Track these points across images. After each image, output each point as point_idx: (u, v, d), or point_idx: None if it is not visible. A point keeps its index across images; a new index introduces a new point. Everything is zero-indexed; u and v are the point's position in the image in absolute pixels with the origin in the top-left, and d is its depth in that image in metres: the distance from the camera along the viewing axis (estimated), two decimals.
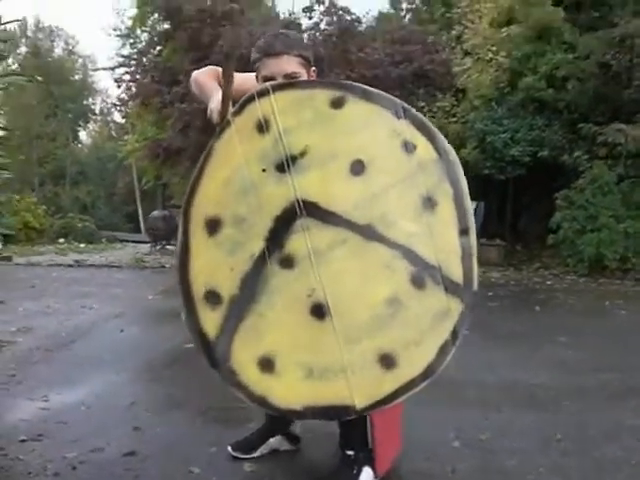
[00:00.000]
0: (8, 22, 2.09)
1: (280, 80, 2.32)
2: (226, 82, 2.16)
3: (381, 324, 2.06)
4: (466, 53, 13.95)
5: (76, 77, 44.54)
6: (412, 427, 2.83)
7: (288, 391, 2.09)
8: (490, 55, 13.00)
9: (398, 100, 2.15)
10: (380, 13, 23.03)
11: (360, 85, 2.19)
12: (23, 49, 41.13)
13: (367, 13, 18.77)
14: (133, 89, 16.71)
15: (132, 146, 20.36)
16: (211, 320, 2.13)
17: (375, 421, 2.38)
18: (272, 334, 2.10)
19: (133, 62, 17.01)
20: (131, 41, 20.68)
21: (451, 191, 2.09)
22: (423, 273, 2.07)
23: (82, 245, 17.98)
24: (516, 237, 13.85)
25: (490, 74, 12.99)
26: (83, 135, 46.98)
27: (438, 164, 2.10)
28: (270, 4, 21.29)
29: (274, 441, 2.87)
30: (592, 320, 6.84)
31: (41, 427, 3.20)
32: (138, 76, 15.78)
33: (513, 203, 13.75)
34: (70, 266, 12.01)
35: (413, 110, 2.15)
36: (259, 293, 2.10)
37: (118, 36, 21.43)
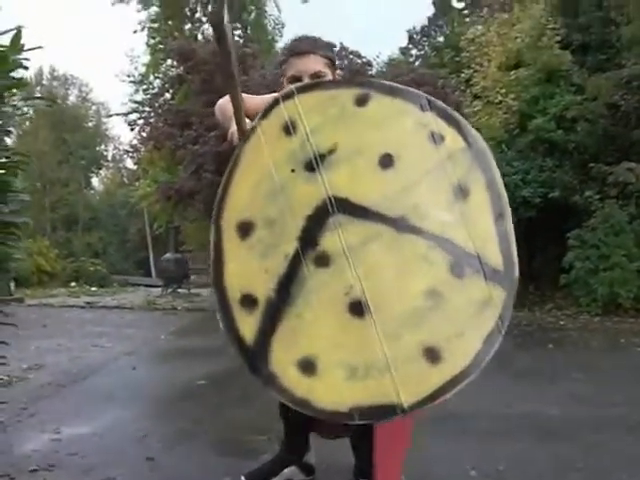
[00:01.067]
0: (31, 49, 2.12)
1: (307, 79, 2.35)
2: (235, 102, 2.18)
3: (422, 317, 2.01)
4: (475, 96, 14.07)
5: (89, 124, 45.17)
6: (429, 459, 2.80)
7: (332, 392, 2.01)
8: (499, 98, 13.10)
9: (422, 93, 2.16)
10: (390, 58, 23.36)
11: (383, 81, 2.21)
12: (30, 102, 41.65)
13: (377, 57, 19.00)
14: (144, 134, 16.91)
15: (144, 191, 20.51)
16: (248, 324, 2.08)
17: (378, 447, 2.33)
18: (311, 335, 2.05)
19: (146, 107, 17.26)
20: (144, 87, 20.97)
21: (483, 179, 2.08)
22: (461, 262, 2.02)
23: (94, 288, 18.04)
24: (528, 278, 13.76)
25: (499, 117, 13.08)
26: (95, 181, 47.48)
27: (467, 153, 2.09)
28: (280, 50, 21.62)
29: (288, 471, 2.82)
30: (607, 357, 6.78)
31: (53, 457, 3.18)
32: (151, 120, 15.99)
33: (525, 244, 13.71)
34: (82, 307, 12.04)
35: (438, 102, 2.15)
36: (295, 294, 2.06)
37: (131, 82, 21.70)
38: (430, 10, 24.60)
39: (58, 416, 4.02)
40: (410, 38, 25.69)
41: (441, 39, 21.29)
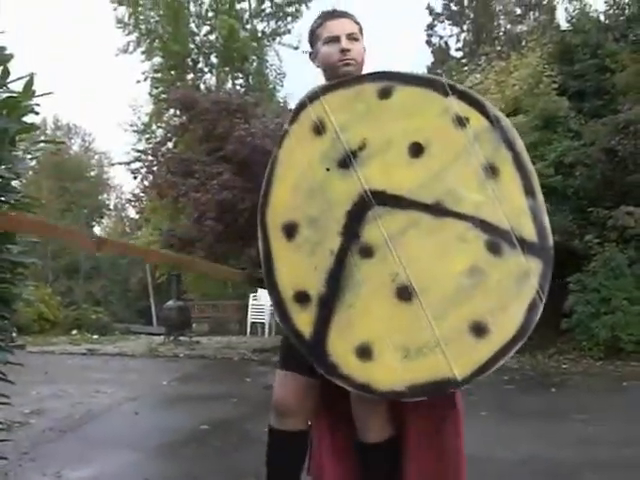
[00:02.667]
0: (42, 95, 2.19)
1: (344, 39, 2.34)
2: None
3: (465, 295, 2.08)
4: None
5: (92, 173, 45.48)
6: None
7: (389, 374, 2.10)
8: None
9: (443, 78, 2.23)
10: None
11: (404, 71, 2.27)
12: (41, 146, 42.11)
13: None
14: (146, 182, 17.03)
15: (146, 239, 20.62)
16: (304, 320, 2.16)
17: None
18: (364, 323, 2.12)
19: (149, 156, 17.42)
20: (147, 136, 21.21)
21: (510, 156, 2.13)
22: (498, 239, 2.09)
23: (95, 336, 17.97)
24: None
25: None
26: (97, 230, 47.60)
27: (492, 132, 2.15)
28: (282, 100, 21.91)
29: None
30: (610, 399, 6.74)
31: None
32: (154, 168, 16.12)
33: None
34: (83, 354, 12.00)
35: (458, 85, 2.23)
36: (345, 286, 2.14)
37: (134, 132, 21.96)
38: (429, 59, 25.00)
39: (59, 461, 4.02)
40: None
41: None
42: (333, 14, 2.48)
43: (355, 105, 2.20)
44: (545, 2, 22.80)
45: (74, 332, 18.97)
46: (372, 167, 2.17)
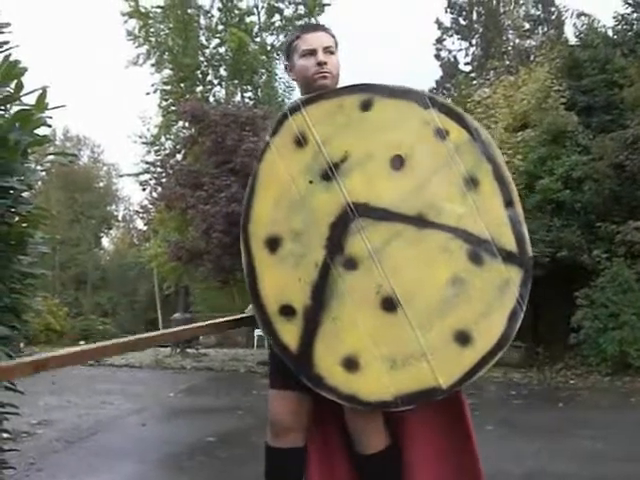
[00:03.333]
0: (55, 107, 2.22)
1: (320, 52, 2.35)
2: None
3: (449, 304, 2.12)
4: None
5: (100, 184, 45.62)
6: None
7: (376, 385, 2.12)
8: (506, 159, 13.19)
9: (424, 91, 2.27)
10: None
11: (384, 84, 2.28)
12: (50, 157, 42.28)
13: None
14: (154, 194, 17.09)
15: (155, 250, 20.64)
16: (290, 333, 2.16)
17: None
18: (350, 334, 2.14)
19: (158, 168, 17.48)
20: (156, 148, 21.25)
21: (490, 167, 2.19)
22: (478, 249, 2.14)
23: None
24: (537, 339, 13.68)
25: None
26: (105, 241, 47.67)
27: (472, 144, 2.19)
28: None
29: None
30: (617, 415, 6.71)
31: None
32: (163, 180, 16.19)
33: (533, 304, 13.64)
34: (90, 365, 11.99)
35: (439, 98, 2.27)
36: (330, 298, 2.15)
37: (143, 143, 22.00)
38: (438, 73, 25.05)
39: (67, 471, 4.03)
40: None
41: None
42: (310, 28, 2.53)
43: (336, 117, 2.21)
44: (553, 17, 22.86)
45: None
46: (354, 179, 2.18)
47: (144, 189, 17.72)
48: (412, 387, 2.12)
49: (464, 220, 2.15)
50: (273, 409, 2.41)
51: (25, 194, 2.45)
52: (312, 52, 2.36)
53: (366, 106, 2.21)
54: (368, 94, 2.22)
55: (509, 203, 2.17)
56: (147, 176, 18.55)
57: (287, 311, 2.16)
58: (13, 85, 2.11)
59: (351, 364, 2.13)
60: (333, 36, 2.44)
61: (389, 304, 2.13)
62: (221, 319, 2.44)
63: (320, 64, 2.33)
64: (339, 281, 2.15)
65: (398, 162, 2.19)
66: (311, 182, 2.19)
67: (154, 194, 17.19)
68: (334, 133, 2.20)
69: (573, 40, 15.74)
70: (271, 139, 2.23)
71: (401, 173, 2.18)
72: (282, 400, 2.38)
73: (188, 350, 15.89)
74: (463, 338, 2.10)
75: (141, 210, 22.60)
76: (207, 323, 2.50)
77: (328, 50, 2.38)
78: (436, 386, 2.10)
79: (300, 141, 2.20)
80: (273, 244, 2.19)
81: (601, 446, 4.90)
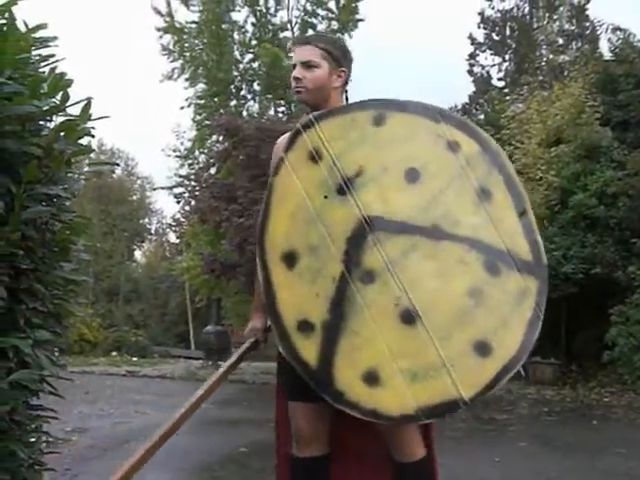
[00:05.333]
0: (98, 118, 2.27)
1: (299, 67, 2.41)
2: None
3: (468, 315, 2.13)
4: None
5: (134, 197, 46.05)
6: None
7: (397, 399, 2.12)
8: (540, 174, 13.11)
9: (434, 105, 2.29)
10: None
11: (395, 99, 2.32)
12: (85, 169, 42.79)
13: None
14: (188, 208, 17.23)
15: (187, 263, 20.79)
16: (308, 348, 2.16)
17: None
18: (369, 348, 2.14)
19: (192, 182, 17.65)
20: (189, 162, 21.45)
21: (501, 178, 2.22)
22: (495, 260, 2.15)
23: (135, 358, 18.15)
24: (571, 356, 13.54)
25: (541, 193, 13.06)
26: (138, 254, 48.10)
27: (483, 156, 2.22)
28: None
29: None
30: None
31: None
32: (197, 193, 16.33)
33: (567, 321, 13.52)
34: (123, 376, 12.14)
35: (449, 111, 2.31)
36: (348, 312, 2.15)
37: (177, 157, 22.21)
38: (471, 88, 25.00)
39: (101, 478, 4.06)
40: None
41: (482, 117, 21.59)
42: (299, 41, 2.59)
43: (350, 132, 2.24)
44: (588, 32, 22.71)
45: (114, 354, 19.19)
46: (370, 193, 2.20)
47: (178, 202, 17.90)
48: (434, 400, 2.11)
49: (479, 231, 2.18)
50: (295, 421, 2.43)
51: (67, 202, 2.50)
52: (294, 66, 2.45)
53: (379, 121, 2.25)
54: (380, 109, 2.26)
55: (522, 213, 2.20)
56: (181, 189, 18.75)
57: (305, 327, 2.17)
58: (59, 97, 2.16)
59: (371, 378, 2.13)
60: (322, 48, 2.45)
61: (408, 317, 2.14)
62: (227, 364, 2.50)
63: (295, 79, 2.42)
64: (357, 295, 2.16)
65: (413, 175, 2.22)
66: (326, 197, 2.22)
67: (187, 207, 17.35)
68: (348, 148, 2.23)
69: (608, 55, 15.66)
70: (285, 155, 2.26)
71: (416, 185, 2.21)
72: (303, 411, 2.40)
73: (220, 362, 15.95)
74: (483, 349, 2.11)
75: (174, 223, 22.81)
76: (220, 373, 2.54)
77: (308, 64, 2.42)
78: (458, 398, 2.10)
79: (314, 157, 2.23)
80: (290, 259, 2.21)
81: (635, 464, 4.84)
